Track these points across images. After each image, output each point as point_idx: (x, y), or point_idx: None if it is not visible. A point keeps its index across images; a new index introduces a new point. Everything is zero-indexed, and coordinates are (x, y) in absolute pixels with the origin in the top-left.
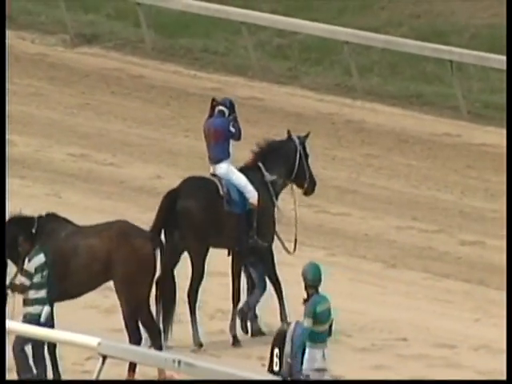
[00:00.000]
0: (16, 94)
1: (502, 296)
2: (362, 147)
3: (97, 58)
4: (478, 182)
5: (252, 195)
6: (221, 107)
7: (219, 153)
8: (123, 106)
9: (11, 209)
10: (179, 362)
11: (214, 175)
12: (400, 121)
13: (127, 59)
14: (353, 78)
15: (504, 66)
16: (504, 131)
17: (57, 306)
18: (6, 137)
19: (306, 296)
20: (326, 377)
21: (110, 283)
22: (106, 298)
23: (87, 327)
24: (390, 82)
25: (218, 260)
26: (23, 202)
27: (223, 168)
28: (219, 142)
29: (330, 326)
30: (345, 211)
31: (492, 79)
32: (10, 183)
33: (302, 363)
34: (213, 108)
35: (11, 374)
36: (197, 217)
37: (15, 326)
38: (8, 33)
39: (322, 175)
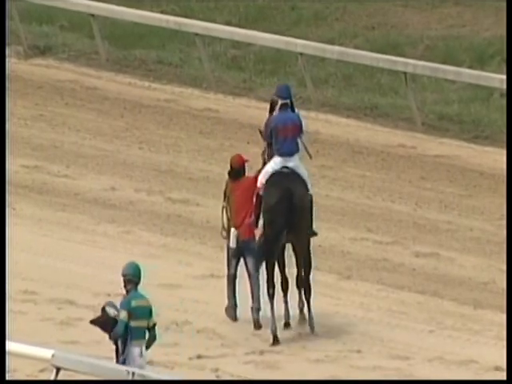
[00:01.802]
0: None
1: (456, 308)
2: (316, 158)
3: (51, 69)
4: (432, 194)
5: (310, 187)
6: (283, 101)
7: (294, 146)
8: (77, 117)
9: None
10: (133, 373)
11: (285, 167)
12: (354, 132)
13: (81, 71)
14: (307, 89)
15: (459, 78)
16: (458, 142)
17: (10, 318)
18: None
19: (125, 292)
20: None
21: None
22: (60, 310)
23: (42, 339)
24: (344, 93)
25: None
26: None
27: (296, 160)
28: (296, 136)
29: (153, 329)
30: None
31: (446, 91)
32: None
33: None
34: (272, 105)
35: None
36: (308, 208)
37: None
38: None
39: None
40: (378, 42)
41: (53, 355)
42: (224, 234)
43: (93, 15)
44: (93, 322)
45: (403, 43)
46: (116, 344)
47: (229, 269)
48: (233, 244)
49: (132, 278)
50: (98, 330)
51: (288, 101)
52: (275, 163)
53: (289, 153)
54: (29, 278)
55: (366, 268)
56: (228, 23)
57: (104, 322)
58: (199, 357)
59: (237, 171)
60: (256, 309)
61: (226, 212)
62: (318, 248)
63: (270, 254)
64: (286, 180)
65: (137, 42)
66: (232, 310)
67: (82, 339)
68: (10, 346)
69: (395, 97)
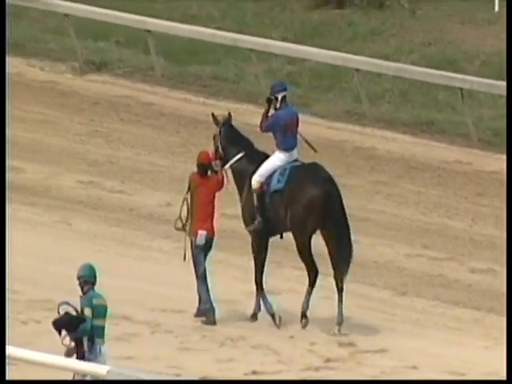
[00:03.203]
0: (25, 121)
1: None
2: (371, 174)
3: (106, 85)
4: (488, 210)
5: None
6: (283, 93)
7: (296, 140)
8: (132, 133)
9: (20, 236)
10: None
11: (295, 161)
12: (410, 148)
13: (137, 86)
14: (363, 105)
15: None
16: None
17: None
18: (7, 162)
19: (81, 293)
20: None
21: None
22: (116, 326)
23: None
24: (400, 109)
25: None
26: (32, 229)
27: (296, 154)
28: (296, 130)
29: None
30: (354, 238)
31: (502, 106)
32: (19, 210)
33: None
34: (269, 101)
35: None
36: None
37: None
38: (17, 60)
39: None
40: (435, 57)
41: (108, 371)
42: (179, 224)
43: (149, 31)
44: (55, 322)
45: (459, 59)
46: (77, 343)
47: (199, 268)
48: (201, 241)
49: (88, 278)
50: (153, 346)
51: (287, 92)
52: (280, 158)
53: (293, 147)
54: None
55: (421, 284)
56: (284, 39)
57: (68, 321)
58: (254, 372)
59: (204, 166)
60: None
61: (186, 204)
62: (373, 264)
63: (307, 247)
64: (318, 173)
65: (192, 58)
66: (211, 315)
67: (138, 355)
68: (66, 362)
69: (451, 113)
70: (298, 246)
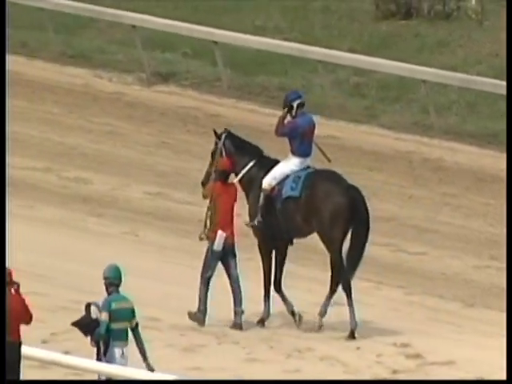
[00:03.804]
0: (92, 132)
1: None
2: (439, 186)
3: (173, 96)
4: None
5: None
6: (300, 100)
7: (311, 147)
8: (200, 144)
9: (88, 248)
10: None
11: (308, 167)
12: (478, 159)
13: (204, 98)
14: (430, 116)
15: None
16: None
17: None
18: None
19: (106, 294)
20: None
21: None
22: (183, 337)
23: (165, 366)
24: (467, 120)
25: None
26: (100, 240)
27: (309, 161)
28: (312, 137)
29: (136, 329)
30: (422, 250)
31: None
32: (87, 221)
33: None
34: (289, 110)
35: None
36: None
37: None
38: (85, 71)
39: (398, 214)
40: (502, 68)
41: (174, 381)
42: (203, 236)
43: (216, 42)
44: (74, 324)
45: None
46: (97, 345)
47: (206, 271)
48: (219, 247)
49: (113, 280)
50: (220, 357)
51: (302, 99)
52: (294, 163)
53: (308, 154)
54: (151, 304)
55: (489, 296)
56: (351, 50)
57: (86, 324)
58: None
59: (226, 173)
60: (240, 312)
61: (210, 213)
62: (441, 276)
63: (339, 253)
64: (341, 180)
65: (259, 69)
66: (202, 315)
67: (205, 365)
68: (133, 373)
69: None
70: (330, 253)
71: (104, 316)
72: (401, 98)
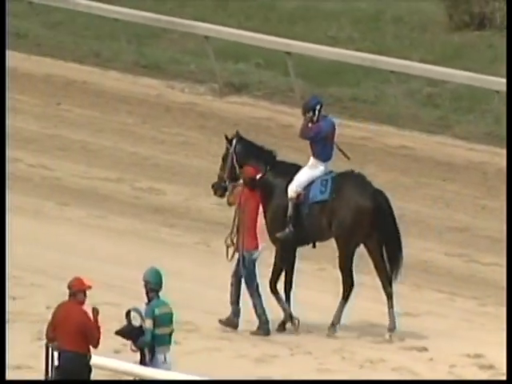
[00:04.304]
0: (165, 142)
1: None
2: None
3: (246, 106)
4: None
5: None
6: (319, 105)
7: (332, 150)
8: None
9: (161, 258)
10: None
11: (331, 171)
12: None
13: (276, 108)
14: (503, 127)
15: None
16: None
17: (206, 354)
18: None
19: (146, 299)
20: None
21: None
22: (255, 347)
23: (238, 376)
24: None
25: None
26: (173, 250)
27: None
28: (334, 140)
29: (171, 336)
30: (495, 261)
31: None
32: (160, 232)
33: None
34: (306, 112)
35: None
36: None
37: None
38: (157, 82)
39: (472, 225)
40: None
41: None
42: (229, 242)
43: (288, 53)
44: (118, 332)
45: None
46: (141, 352)
47: (254, 281)
48: (258, 256)
49: (154, 286)
50: (293, 367)
51: (321, 104)
52: (319, 168)
53: (330, 157)
54: (224, 315)
55: None
56: (423, 60)
57: (129, 332)
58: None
59: (253, 180)
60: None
61: (237, 219)
62: None
63: (351, 258)
64: (367, 184)
65: (332, 80)
66: (267, 326)
67: (277, 375)
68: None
69: None
70: (340, 256)
71: (148, 323)
72: (474, 109)
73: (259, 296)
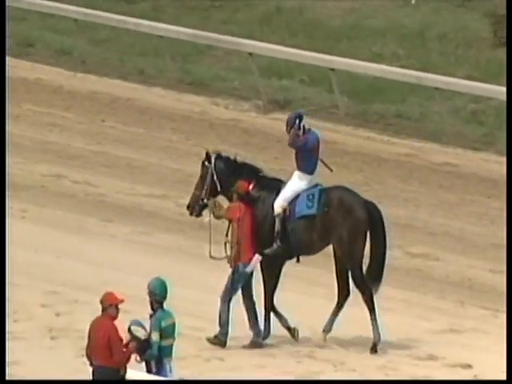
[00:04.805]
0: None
1: None
2: None
3: None
4: None
5: None
6: (302, 118)
7: (317, 163)
8: (317, 171)
9: (206, 275)
10: None
11: (317, 185)
12: None
13: (320, 125)
14: None
15: None
16: None
17: (249, 371)
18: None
19: (151, 311)
20: None
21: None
22: (299, 364)
23: None
24: None
25: None
26: (217, 267)
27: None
28: (319, 153)
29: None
30: None
31: None
32: (204, 249)
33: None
34: (292, 125)
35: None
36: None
37: None
38: (202, 98)
39: None
40: None
41: None
42: (228, 257)
43: (332, 69)
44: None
45: None
46: (147, 364)
47: (230, 293)
48: (252, 269)
49: (160, 298)
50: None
51: (304, 117)
52: (304, 182)
53: (314, 170)
54: (272, 332)
55: None
56: (468, 77)
57: (136, 347)
58: None
59: (248, 194)
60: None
61: (232, 234)
62: None
63: (361, 267)
64: (354, 195)
65: (376, 96)
66: (225, 336)
67: None
68: None
69: None
70: (352, 270)
71: (156, 336)
72: None
73: (229, 309)
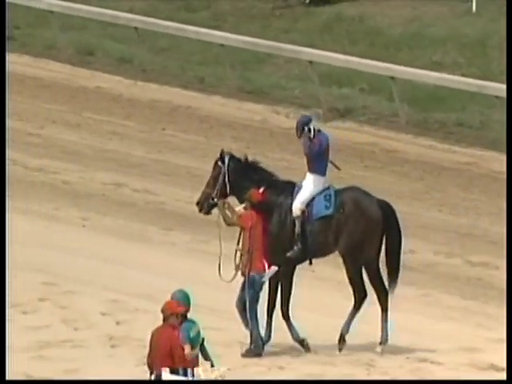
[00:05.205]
0: (269, 168)
1: None
2: None
3: (350, 132)
4: None
5: None
6: (312, 122)
7: (328, 165)
8: (376, 179)
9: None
10: None
11: (329, 186)
12: None
13: (381, 133)
14: None
15: None
16: None
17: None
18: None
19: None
20: None
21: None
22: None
23: None
24: None
25: None
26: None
27: None
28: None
29: (203, 347)
30: None
31: None
32: None
33: None
34: (301, 130)
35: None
36: None
37: None
38: (262, 107)
39: None
40: None
41: None
42: (241, 266)
43: (393, 78)
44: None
45: None
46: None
47: (255, 305)
48: (267, 278)
49: (184, 312)
50: None
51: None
52: (318, 183)
53: (326, 171)
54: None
55: None
56: None
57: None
58: None
59: (260, 203)
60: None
61: (243, 242)
62: None
63: (378, 266)
64: (367, 195)
65: (437, 105)
66: (261, 348)
67: None
68: None
69: None
70: (370, 269)
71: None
72: None
73: (257, 320)
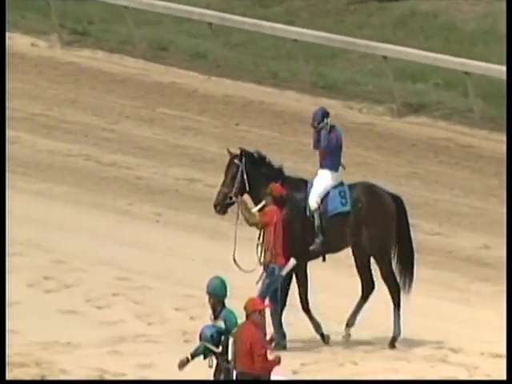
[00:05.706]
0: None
1: None
2: None
3: (424, 127)
4: None
5: None
6: (328, 117)
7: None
8: (451, 175)
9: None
10: None
11: (341, 183)
12: None
13: (455, 129)
14: None
15: None
16: None
17: (385, 376)
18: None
19: (212, 315)
20: None
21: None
22: (432, 369)
23: None
24: None
25: None
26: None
27: None
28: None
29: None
30: None
31: None
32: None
33: None
34: (321, 120)
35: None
36: None
37: None
38: (335, 102)
39: None
40: None
41: None
42: (263, 261)
43: (467, 73)
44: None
45: None
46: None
47: (276, 296)
48: (287, 271)
49: (222, 298)
50: None
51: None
52: (333, 178)
53: (339, 167)
54: (404, 339)
55: None
56: None
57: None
58: None
59: (282, 197)
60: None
61: (264, 236)
62: None
63: (390, 262)
64: (381, 190)
65: None
66: (283, 340)
67: None
68: None
69: None
70: (382, 267)
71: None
72: None
73: (281, 317)
